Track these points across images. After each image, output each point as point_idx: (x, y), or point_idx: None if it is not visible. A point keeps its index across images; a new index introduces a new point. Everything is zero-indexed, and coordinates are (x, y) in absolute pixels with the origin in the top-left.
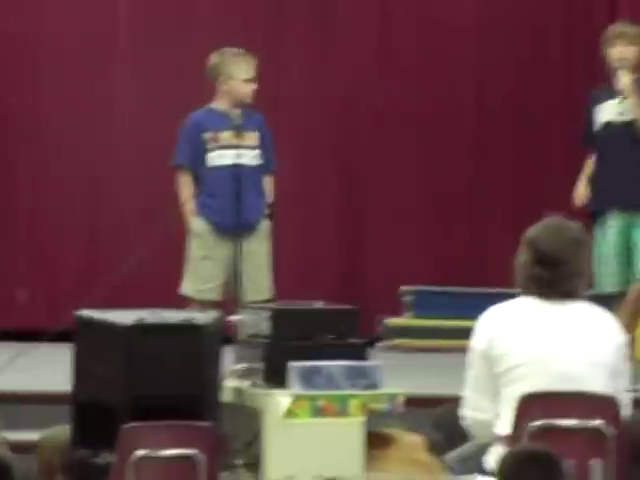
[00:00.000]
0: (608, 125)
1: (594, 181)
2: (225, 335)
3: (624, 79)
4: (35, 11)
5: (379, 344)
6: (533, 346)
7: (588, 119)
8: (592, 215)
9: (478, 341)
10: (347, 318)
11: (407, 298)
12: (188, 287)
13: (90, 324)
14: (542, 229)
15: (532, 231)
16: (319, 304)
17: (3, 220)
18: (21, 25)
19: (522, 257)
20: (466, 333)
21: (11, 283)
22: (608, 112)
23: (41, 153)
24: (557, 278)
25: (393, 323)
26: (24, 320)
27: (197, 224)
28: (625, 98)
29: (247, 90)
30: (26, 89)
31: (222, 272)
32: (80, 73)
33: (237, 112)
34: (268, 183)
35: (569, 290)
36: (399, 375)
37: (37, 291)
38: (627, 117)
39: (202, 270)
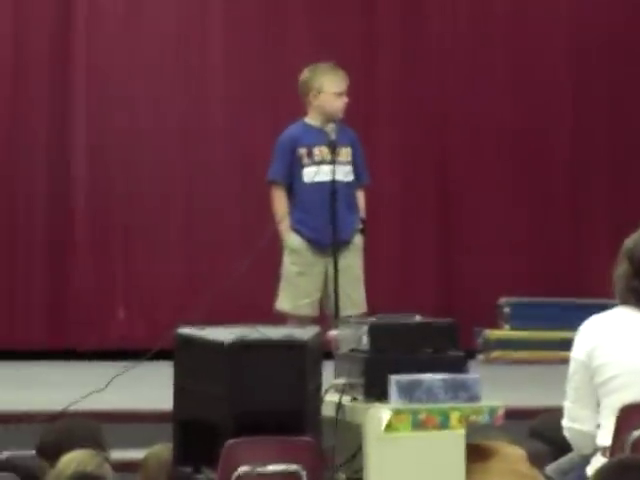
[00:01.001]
0: None
1: None
2: (324, 350)
3: None
4: (127, 31)
5: (478, 356)
6: (633, 356)
7: None
8: None
9: (578, 351)
10: (446, 331)
11: (505, 310)
12: (284, 303)
13: (190, 342)
14: (637, 239)
15: (630, 241)
16: (417, 317)
17: (101, 237)
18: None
19: (620, 268)
20: (564, 344)
21: (110, 302)
22: None
23: (137, 169)
24: None
25: (492, 335)
26: (124, 339)
27: (292, 240)
28: None
29: (338, 104)
30: (121, 109)
31: (318, 288)
32: (175, 88)
33: (332, 127)
34: (361, 198)
35: None
36: (498, 387)
37: (136, 309)
38: None
39: (298, 286)
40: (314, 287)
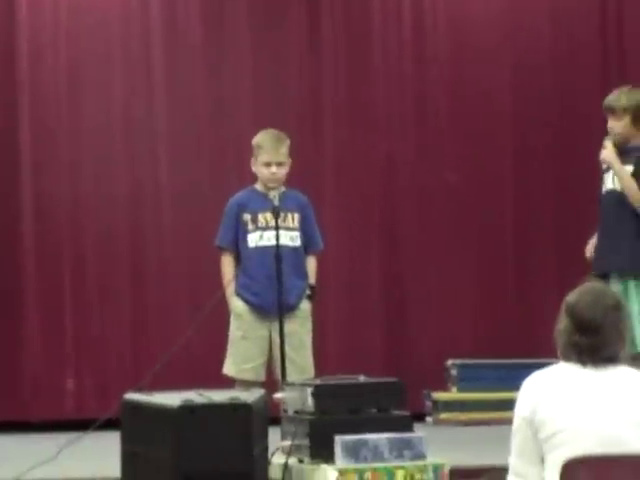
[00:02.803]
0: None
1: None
2: (270, 413)
3: (605, 151)
4: (73, 99)
5: (427, 419)
6: (576, 411)
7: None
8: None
9: (521, 407)
10: (390, 391)
11: (452, 372)
12: (229, 367)
13: (137, 407)
14: (581, 295)
15: (571, 297)
16: (361, 378)
17: (51, 308)
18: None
19: (562, 324)
20: (512, 405)
21: (61, 372)
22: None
23: (84, 235)
24: (598, 345)
25: (440, 397)
26: (73, 409)
27: (236, 305)
28: (609, 169)
29: (265, 173)
30: (66, 171)
31: (261, 352)
32: (122, 153)
33: (275, 193)
34: (311, 264)
35: (610, 356)
36: (446, 448)
37: (86, 379)
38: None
39: (242, 350)
40: (257, 352)
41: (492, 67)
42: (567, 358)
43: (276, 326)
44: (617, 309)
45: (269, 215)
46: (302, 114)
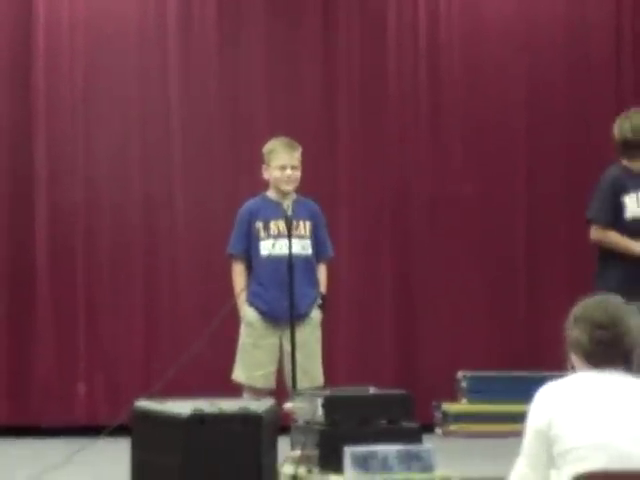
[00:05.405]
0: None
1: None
2: (281, 423)
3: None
4: (88, 110)
5: (437, 430)
6: (592, 427)
7: (609, 199)
8: None
9: (535, 419)
10: (400, 402)
11: (462, 384)
12: (239, 374)
13: (148, 416)
14: (585, 302)
15: (577, 308)
16: (371, 389)
17: (63, 314)
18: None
19: (575, 332)
20: (522, 417)
21: (72, 378)
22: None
23: (98, 244)
24: (621, 334)
25: (449, 409)
26: (84, 414)
27: (248, 313)
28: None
29: (280, 176)
30: (81, 182)
31: (272, 360)
32: (137, 164)
33: (288, 202)
34: (322, 272)
35: (631, 346)
36: (455, 460)
37: (98, 385)
38: None
39: (252, 357)
40: (268, 359)
41: (506, 78)
42: (592, 360)
43: (287, 334)
44: (623, 306)
45: (281, 223)
46: (316, 123)
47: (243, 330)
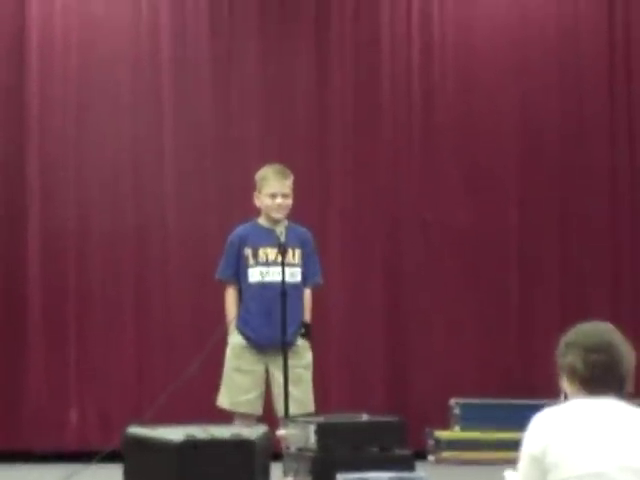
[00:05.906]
0: None
1: None
2: (273, 450)
3: None
4: (81, 129)
5: (430, 457)
6: (588, 457)
7: None
8: None
9: (531, 445)
10: (392, 429)
11: (455, 411)
12: (223, 400)
13: (140, 442)
14: (577, 329)
15: (568, 335)
16: (364, 416)
17: (55, 340)
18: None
19: (568, 358)
20: (515, 445)
21: (64, 403)
22: None
23: (90, 268)
24: (616, 359)
25: (442, 436)
26: (76, 440)
27: (234, 338)
28: None
29: (271, 204)
30: (73, 203)
31: (256, 386)
32: (129, 185)
33: (281, 229)
34: (307, 298)
35: (627, 372)
36: None
37: (90, 410)
38: None
39: (236, 382)
40: (252, 385)
41: (499, 98)
42: (587, 386)
43: (273, 361)
44: (616, 332)
45: (270, 250)
46: (309, 147)
47: (228, 355)
